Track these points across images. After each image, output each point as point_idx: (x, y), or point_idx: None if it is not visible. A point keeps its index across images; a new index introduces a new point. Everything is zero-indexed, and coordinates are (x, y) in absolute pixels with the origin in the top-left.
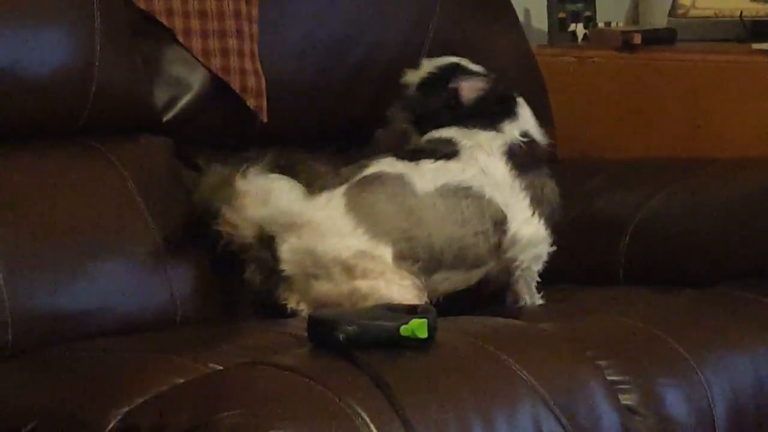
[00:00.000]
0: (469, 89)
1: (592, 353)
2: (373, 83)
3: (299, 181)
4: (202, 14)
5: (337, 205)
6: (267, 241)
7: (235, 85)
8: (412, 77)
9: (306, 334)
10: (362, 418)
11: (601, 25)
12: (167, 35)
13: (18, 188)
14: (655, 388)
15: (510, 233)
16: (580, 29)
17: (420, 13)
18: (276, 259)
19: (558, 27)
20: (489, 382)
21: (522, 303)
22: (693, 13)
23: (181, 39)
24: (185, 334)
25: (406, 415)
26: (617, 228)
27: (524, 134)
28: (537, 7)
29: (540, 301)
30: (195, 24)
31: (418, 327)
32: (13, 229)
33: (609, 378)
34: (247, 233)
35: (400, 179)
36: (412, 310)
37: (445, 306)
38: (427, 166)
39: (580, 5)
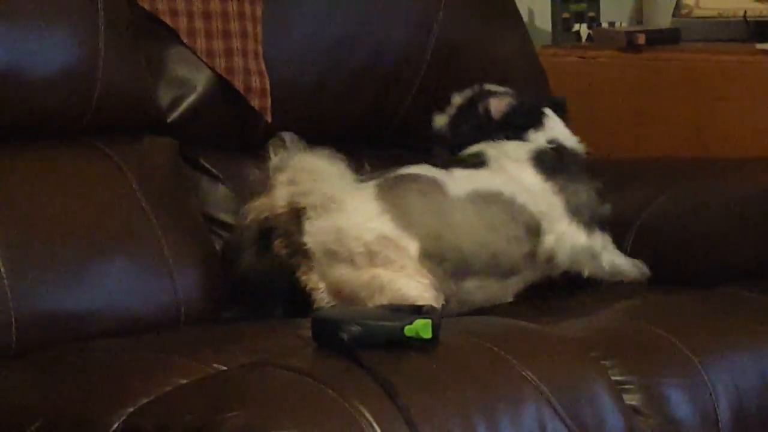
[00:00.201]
0: (498, 104)
1: (596, 353)
2: (377, 84)
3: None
4: (206, 14)
5: (369, 192)
6: (297, 213)
7: (239, 85)
8: (441, 119)
9: (310, 334)
10: (366, 419)
11: (604, 25)
12: (171, 35)
13: (22, 188)
14: (659, 388)
15: (548, 244)
16: (583, 29)
17: (424, 14)
18: (301, 232)
19: (562, 27)
20: (493, 383)
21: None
22: (697, 13)
23: (185, 39)
24: (189, 335)
25: (411, 416)
26: (621, 227)
27: (551, 141)
28: (541, 8)
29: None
30: (199, 24)
31: (422, 327)
32: (17, 229)
33: (613, 378)
34: (281, 202)
35: (432, 181)
36: (416, 311)
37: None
38: (459, 173)
39: (583, 5)
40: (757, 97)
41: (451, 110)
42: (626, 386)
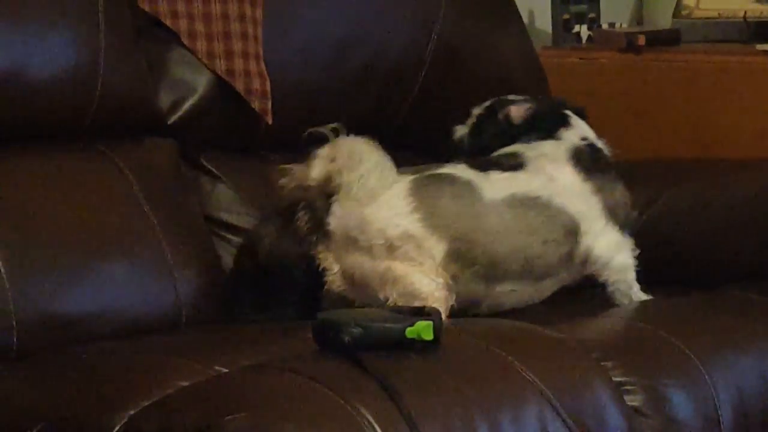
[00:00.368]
0: (518, 110)
1: (598, 354)
2: (377, 85)
3: None
4: (207, 17)
5: (403, 187)
6: (328, 190)
7: (240, 87)
8: (462, 130)
9: (311, 336)
10: (368, 421)
11: (605, 26)
12: (172, 37)
13: (23, 191)
14: (660, 389)
15: (584, 245)
16: (584, 30)
17: (424, 15)
18: (326, 211)
19: (562, 28)
20: (495, 384)
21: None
22: (697, 14)
23: (185, 41)
24: (190, 337)
25: (412, 418)
26: None
27: (584, 139)
28: (541, 9)
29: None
30: (199, 26)
31: (423, 329)
32: (18, 231)
33: (614, 379)
34: (316, 175)
35: (468, 184)
36: (417, 312)
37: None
38: (496, 176)
39: (584, 6)
40: (758, 98)
41: (471, 120)
42: (628, 387)
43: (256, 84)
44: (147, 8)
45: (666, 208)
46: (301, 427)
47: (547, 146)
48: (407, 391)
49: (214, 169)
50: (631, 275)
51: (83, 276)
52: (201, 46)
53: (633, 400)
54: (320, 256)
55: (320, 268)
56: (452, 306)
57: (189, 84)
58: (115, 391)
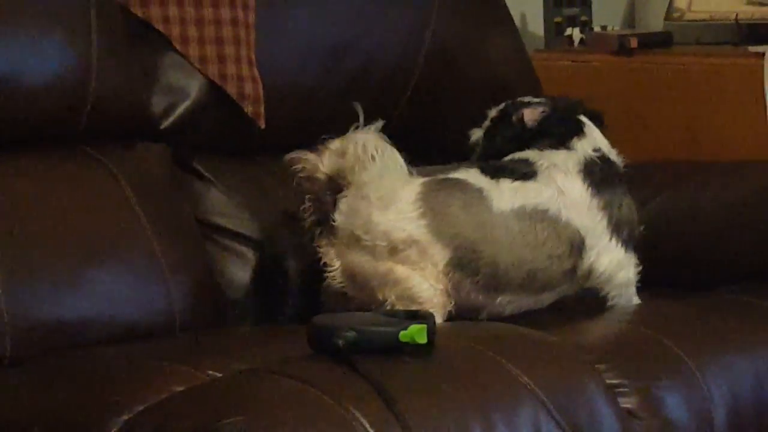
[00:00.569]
0: (531, 113)
1: (591, 357)
2: (371, 89)
3: None
4: (199, 21)
5: (413, 190)
6: (337, 185)
7: (233, 91)
8: (477, 133)
9: (305, 340)
10: (362, 425)
11: (597, 29)
12: (165, 42)
13: (15, 196)
14: (654, 391)
15: (587, 261)
16: (576, 33)
17: (417, 19)
18: (333, 206)
19: (554, 31)
20: (489, 387)
21: None
22: (689, 16)
23: (177, 46)
24: (184, 342)
25: (406, 421)
26: None
27: (596, 150)
28: (533, 12)
29: None
30: (192, 31)
31: (417, 332)
32: (11, 237)
33: (608, 381)
34: (325, 168)
35: (479, 193)
36: (411, 316)
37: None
38: (507, 185)
39: (576, 9)
40: (750, 100)
41: (486, 123)
42: (621, 389)
43: (248, 88)
44: (139, 13)
45: (659, 210)
46: (295, 431)
47: (558, 156)
48: (401, 394)
49: (207, 174)
50: (632, 290)
51: (76, 281)
52: (193, 50)
53: (627, 403)
54: (322, 249)
55: (321, 263)
56: (450, 312)
57: (182, 89)
58: (109, 396)
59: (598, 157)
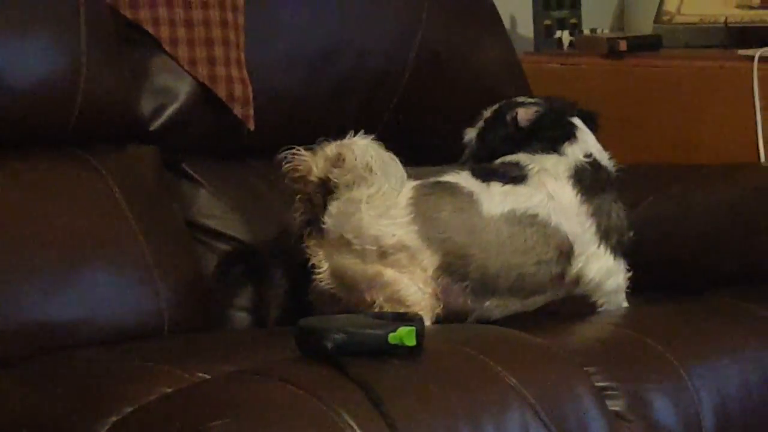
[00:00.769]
0: (525, 113)
1: (580, 359)
2: (360, 92)
3: None
4: (188, 23)
5: (403, 194)
6: (329, 188)
7: (222, 93)
8: (471, 133)
9: (294, 342)
10: (351, 427)
11: (586, 32)
12: (154, 44)
13: (3, 197)
14: (643, 394)
15: (576, 268)
16: (566, 36)
17: (407, 23)
18: (324, 207)
19: (544, 34)
20: (477, 390)
21: None
22: (678, 19)
23: (167, 48)
24: (173, 344)
25: (395, 424)
26: None
27: (587, 155)
28: (523, 15)
29: None
30: (181, 33)
31: (406, 335)
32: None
33: (597, 384)
34: (317, 171)
35: (469, 196)
36: (400, 318)
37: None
38: (497, 188)
39: (565, 12)
40: (739, 103)
41: (480, 123)
42: (610, 392)
43: (238, 90)
44: (129, 15)
45: (648, 213)
46: None
47: (549, 160)
48: (390, 397)
49: (196, 175)
50: (622, 296)
51: (65, 283)
52: (183, 52)
53: (615, 405)
54: (310, 250)
55: (309, 264)
56: (438, 315)
57: (171, 90)
58: (98, 397)
59: (588, 163)
